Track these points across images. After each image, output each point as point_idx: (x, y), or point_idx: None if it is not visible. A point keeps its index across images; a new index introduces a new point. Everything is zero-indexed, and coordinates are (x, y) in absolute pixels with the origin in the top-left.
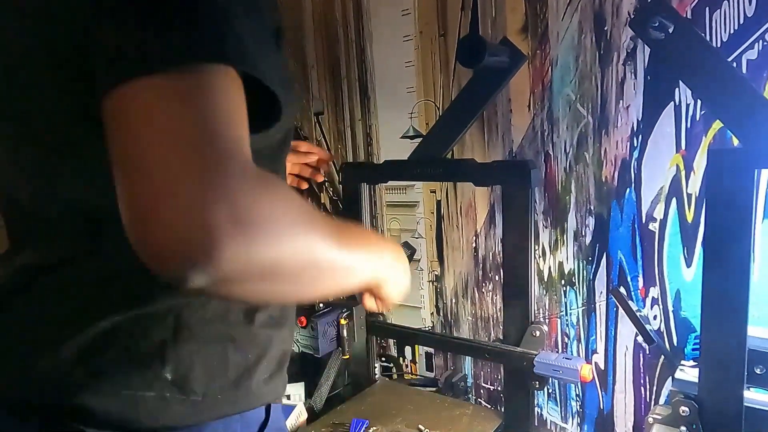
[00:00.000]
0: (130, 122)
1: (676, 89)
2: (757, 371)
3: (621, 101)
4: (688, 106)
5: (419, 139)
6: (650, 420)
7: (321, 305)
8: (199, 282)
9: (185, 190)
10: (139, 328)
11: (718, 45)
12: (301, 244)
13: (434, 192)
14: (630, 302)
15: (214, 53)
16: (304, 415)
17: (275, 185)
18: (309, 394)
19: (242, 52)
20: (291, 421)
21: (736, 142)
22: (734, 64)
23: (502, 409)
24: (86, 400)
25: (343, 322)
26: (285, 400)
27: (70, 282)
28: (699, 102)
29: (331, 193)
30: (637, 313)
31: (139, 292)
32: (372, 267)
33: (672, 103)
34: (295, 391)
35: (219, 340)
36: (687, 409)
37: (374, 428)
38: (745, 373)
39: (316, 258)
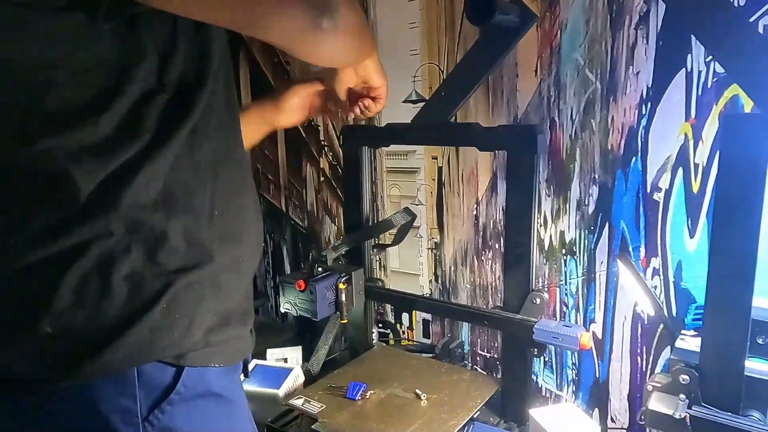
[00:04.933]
0: None
1: (689, 55)
2: (759, 341)
3: (631, 67)
4: (699, 73)
5: (422, 104)
6: (649, 387)
7: (320, 270)
8: (328, 25)
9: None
10: (18, 284)
11: None
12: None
13: (436, 158)
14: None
15: None
16: (302, 378)
17: None
18: (307, 358)
19: None
20: (288, 384)
21: (747, 110)
22: None
23: (499, 376)
24: None
25: (341, 286)
26: (282, 363)
27: None
28: (711, 69)
29: (330, 157)
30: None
31: (17, 249)
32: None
33: (683, 69)
34: (293, 355)
35: (101, 294)
36: (687, 377)
37: (372, 391)
38: (748, 343)
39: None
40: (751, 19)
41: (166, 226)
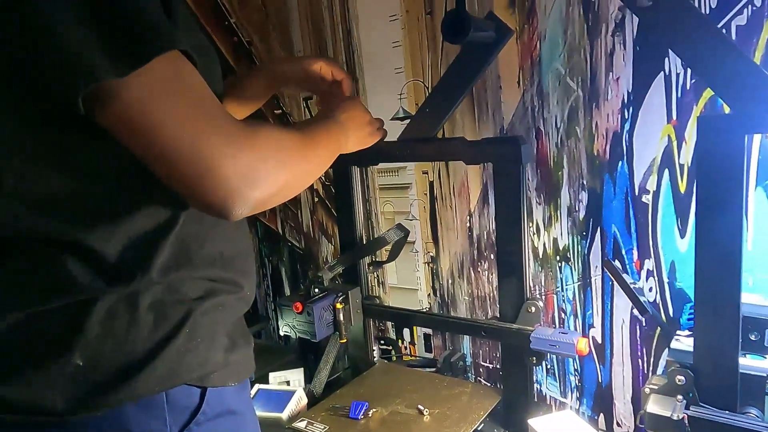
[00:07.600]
0: (148, 121)
1: (666, 59)
2: (752, 338)
3: (611, 73)
4: (678, 75)
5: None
6: (647, 390)
7: (317, 291)
8: (240, 215)
9: (209, 167)
10: (47, 320)
11: (707, 12)
12: (291, 165)
13: (426, 173)
14: (625, 275)
15: (168, 43)
16: (304, 400)
17: (256, 133)
18: (309, 379)
19: (173, 35)
20: (291, 407)
21: (727, 110)
22: (724, 31)
23: (502, 387)
24: (2, 390)
25: (339, 306)
26: (284, 387)
27: None
28: (689, 70)
29: (323, 177)
30: (631, 285)
31: (43, 288)
32: (337, 138)
33: (662, 73)
34: (295, 377)
35: (129, 323)
36: (683, 378)
37: (374, 410)
38: (740, 340)
39: (304, 166)
40: (724, 20)
41: (185, 276)
